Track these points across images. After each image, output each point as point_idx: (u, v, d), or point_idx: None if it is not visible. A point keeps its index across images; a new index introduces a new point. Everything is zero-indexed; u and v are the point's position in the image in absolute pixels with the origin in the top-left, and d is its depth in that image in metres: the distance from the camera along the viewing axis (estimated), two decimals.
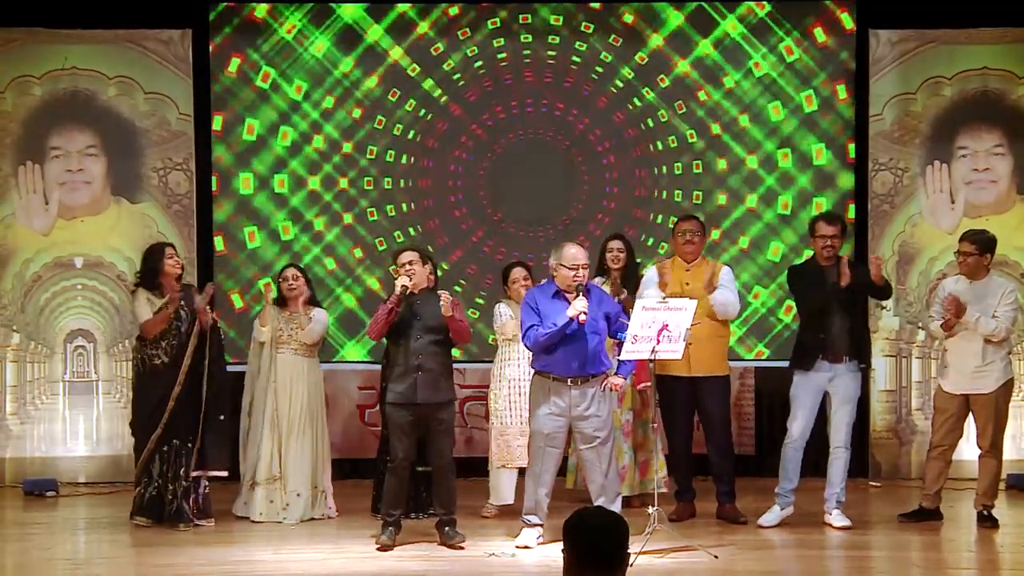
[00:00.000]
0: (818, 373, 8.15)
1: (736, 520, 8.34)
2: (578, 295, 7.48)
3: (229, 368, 8.75)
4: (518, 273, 8.69)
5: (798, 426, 8.19)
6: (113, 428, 10.03)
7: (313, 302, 8.72)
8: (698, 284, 8.27)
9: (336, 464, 9.20)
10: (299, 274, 8.70)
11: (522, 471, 8.61)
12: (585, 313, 7.41)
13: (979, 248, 8.18)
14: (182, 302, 8.34)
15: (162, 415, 8.23)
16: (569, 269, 7.56)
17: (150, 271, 8.39)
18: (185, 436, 8.26)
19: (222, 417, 8.42)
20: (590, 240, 9.58)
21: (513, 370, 8.61)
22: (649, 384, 8.47)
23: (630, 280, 8.66)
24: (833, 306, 8.11)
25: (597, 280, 8.41)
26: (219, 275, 10.17)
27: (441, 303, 7.62)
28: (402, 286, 7.65)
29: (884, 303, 9.89)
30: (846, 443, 8.17)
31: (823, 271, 8.20)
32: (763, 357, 10.23)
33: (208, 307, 8.35)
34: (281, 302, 8.65)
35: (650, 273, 8.54)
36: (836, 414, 8.18)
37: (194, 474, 8.29)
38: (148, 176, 10.09)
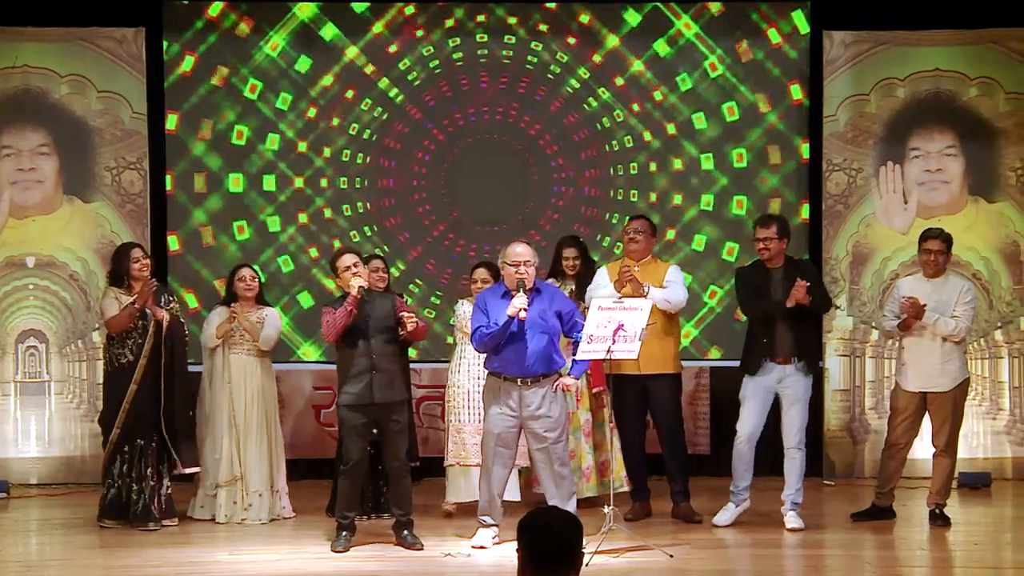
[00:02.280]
0: (766, 375, 8.19)
1: (691, 519, 8.36)
2: (519, 292, 7.48)
3: (190, 368, 8.67)
4: (479, 274, 8.64)
5: (746, 426, 8.20)
6: (65, 429, 9.95)
7: (261, 300, 8.66)
8: (648, 284, 8.28)
9: (291, 464, 9.16)
10: (255, 274, 8.67)
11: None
12: (525, 310, 7.40)
13: (948, 246, 8.26)
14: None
15: (122, 414, 8.19)
16: (511, 266, 7.57)
17: (117, 271, 8.40)
18: (149, 435, 8.22)
19: (192, 413, 8.42)
20: (546, 240, 9.62)
21: (469, 368, 8.61)
22: (603, 388, 8.52)
23: (586, 284, 8.68)
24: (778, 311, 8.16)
25: (551, 282, 8.39)
26: (172, 275, 10.11)
27: (406, 324, 7.62)
28: (359, 287, 7.61)
29: (837, 305, 9.96)
30: (799, 444, 8.18)
31: (769, 274, 8.24)
32: (718, 357, 10.26)
33: (171, 309, 8.36)
34: (232, 301, 8.58)
35: (601, 274, 8.54)
36: (787, 415, 8.19)
37: (174, 472, 8.31)
38: (101, 175, 10.01)
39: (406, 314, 7.68)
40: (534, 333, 7.53)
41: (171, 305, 8.44)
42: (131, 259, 8.36)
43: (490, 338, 7.52)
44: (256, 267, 9.01)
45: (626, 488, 8.52)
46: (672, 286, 8.35)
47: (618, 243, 10.22)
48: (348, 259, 7.76)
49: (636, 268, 8.35)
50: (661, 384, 8.39)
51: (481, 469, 7.86)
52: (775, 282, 8.19)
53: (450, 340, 9.46)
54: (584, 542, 3.98)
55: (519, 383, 7.58)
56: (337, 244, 10.28)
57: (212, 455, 8.48)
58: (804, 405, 8.19)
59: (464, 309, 8.65)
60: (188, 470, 8.40)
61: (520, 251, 7.59)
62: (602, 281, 8.41)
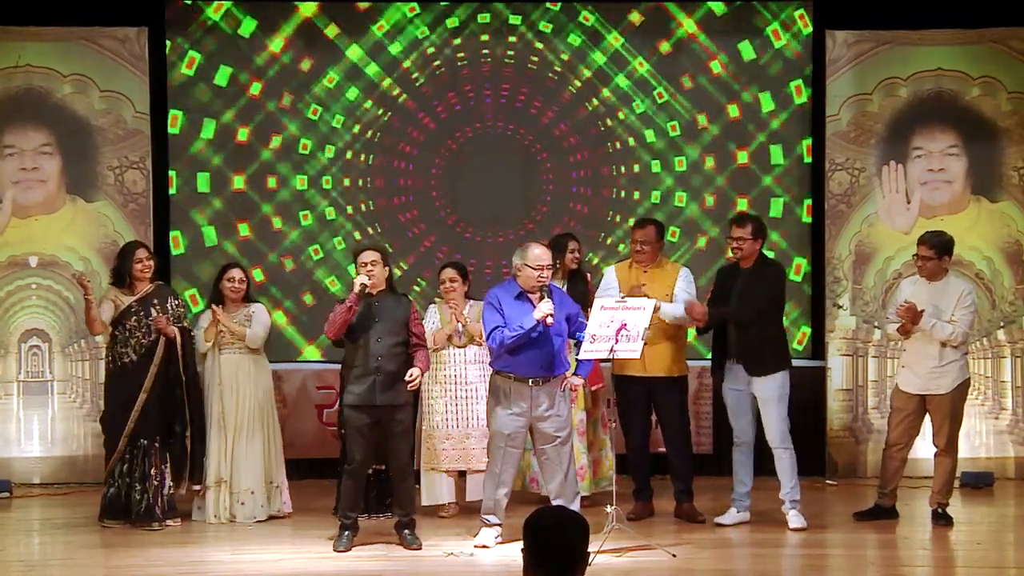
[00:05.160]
0: (734, 377, 8.20)
1: (694, 519, 8.36)
2: (543, 297, 7.48)
3: None
4: (446, 274, 8.63)
5: (739, 429, 8.24)
6: (68, 429, 9.94)
7: (247, 298, 8.60)
8: (655, 286, 8.29)
9: (294, 464, 9.16)
10: (244, 276, 8.60)
11: (462, 473, 8.65)
12: (552, 315, 7.41)
13: (937, 252, 8.21)
14: (155, 300, 8.32)
15: (129, 415, 8.20)
16: (534, 270, 7.56)
17: (119, 270, 8.42)
18: (152, 436, 8.22)
19: (178, 429, 8.37)
20: (550, 240, 9.60)
21: (446, 373, 8.59)
22: (602, 385, 8.57)
23: (577, 280, 8.70)
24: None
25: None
26: (176, 275, 10.10)
27: (410, 386, 7.61)
28: (361, 285, 7.60)
29: (840, 303, 9.97)
30: (781, 443, 8.14)
31: (738, 275, 8.25)
32: None
33: (177, 314, 8.38)
34: (219, 300, 8.52)
35: (609, 274, 8.55)
36: (764, 416, 8.18)
37: (197, 488, 8.40)
38: (104, 175, 10.01)
39: (411, 377, 7.62)
40: (550, 336, 7.54)
41: (178, 310, 8.44)
42: (134, 259, 8.36)
43: (513, 341, 7.47)
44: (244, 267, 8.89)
45: (614, 487, 8.52)
46: (683, 297, 8.32)
47: (621, 243, 10.24)
48: (366, 256, 7.73)
49: (644, 272, 8.37)
50: (667, 386, 8.41)
51: (488, 469, 7.84)
52: (739, 283, 8.20)
53: None
54: (589, 541, 3.97)
55: (529, 383, 7.58)
56: (340, 244, 10.32)
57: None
58: (778, 404, 8.14)
59: (430, 318, 8.61)
60: (197, 487, 8.44)
61: (540, 254, 7.59)
62: (610, 282, 8.41)
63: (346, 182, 10.36)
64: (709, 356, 9.85)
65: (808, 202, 10.38)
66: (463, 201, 10.40)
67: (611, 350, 7.53)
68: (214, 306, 8.43)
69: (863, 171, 10.16)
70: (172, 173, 10.23)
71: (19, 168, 9.95)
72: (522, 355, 7.54)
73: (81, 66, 9.97)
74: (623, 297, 7.78)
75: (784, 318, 8.66)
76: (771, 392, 8.14)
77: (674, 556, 7.40)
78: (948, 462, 8.29)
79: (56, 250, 9.98)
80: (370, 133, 10.35)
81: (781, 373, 8.18)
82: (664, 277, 8.40)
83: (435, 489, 8.63)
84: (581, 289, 8.62)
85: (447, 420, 8.53)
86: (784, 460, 8.16)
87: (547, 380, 7.60)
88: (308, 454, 9.89)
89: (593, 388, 8.67)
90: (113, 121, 9.99)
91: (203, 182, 10.28)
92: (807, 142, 10.36)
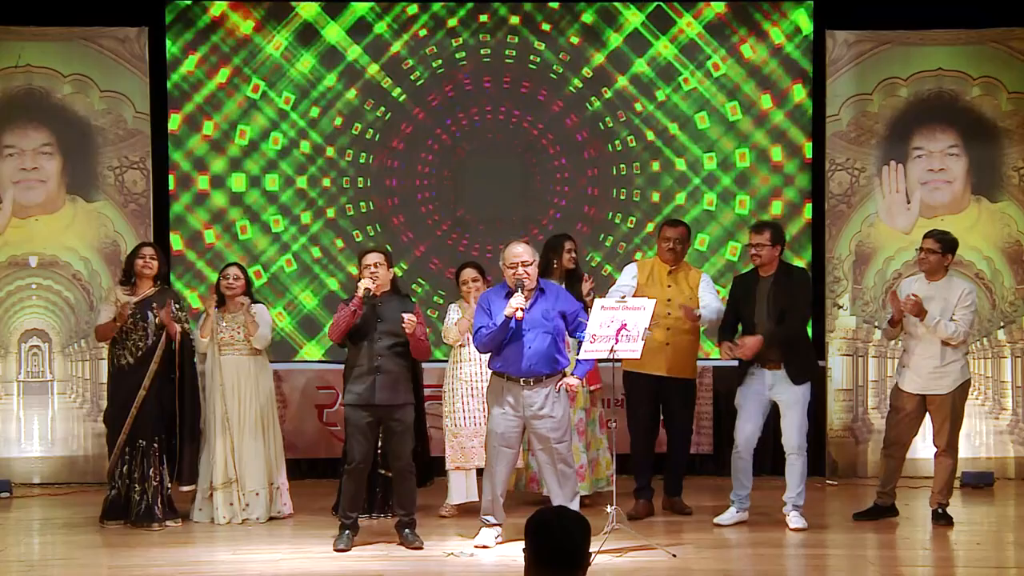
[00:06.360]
0: (757, 382, 8.18)
1: (681, 511, 8.48)
2: (516, 292, 7.48)
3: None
4: (468, 274, 8.65)
5: (742, 436, 8.20)
6: (68, 428, 9.95)
7: (249, 297, 8.58)
8: (679, 288, 8.37)
9: (294, 464, 9.17)
10: (240, 273, 8.58)
11: (480, 471, 8.64)
12: (522, 310, 7.40)
13: (942, 247, 8.22)
14: (153, 304, 8.32)
15: (126, 418, 8.20)
16: (508, 267, 7.57)
17: (126, 269, 8.47)
18: (151, 436, 8.22)
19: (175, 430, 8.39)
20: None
21: (467, 370, 8.59)
22: (599, 386, 8.58)
23: (574, 280, 8.72)
24: (763, 318, 8.12)
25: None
26: (176, 275, 10.10)
27: (404, 324, 7.55)
28: (365, 289, 7.60)
29: (840, 303, 9.98)
30: (798, 449, 8.16)
31: (758, 284, 8.22)
32: (720, 356, 10.24)
33: (178, 316, 8.37)
34: (220, 302, 8.54)
35: (630, 270, 8.56)
36: (784, 421, 8.18)
37: (185, 489, 8.38)
38: (104, 175, 10.01)
39: (406, 316, 7.64)
40: (536, 333, 7.53)
41: (179, 313, 8.44)
42: (137, 255, 8.38)
43: (489, 338, 7.52)
44: (243, 267, 8.87)
45: (614, 487, 8.53)
46: (708, 299, 8.39)
47: (621, 242, 10.24)
48: (370, 258, 7.73)
49: (669, 273, 8.45)
50: (681, 387, 8.49)
51: (484, 469, 7.85)
52: (761, 292, 8.18)
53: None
54: (591, 541, 3.98)
55: (521, 383, 7.57)
56: (340, 244, 10.32)
57: (207, 458, 8.47)
58: (800, 410, 8.15)
59: (451, 315, 8.63)
60: (185, 488, 8.43)
61: (519, 251, 7.59)
62: (626, 281, 8.44)
63: (346, 182, 10.36)
64: (713, 357, 9.88)
65: (808, 202, 10.38)
66: (464, 201, 10.38)
67: (611, 350, 7.53)
68: (208, 305, 8.43)
69: (863, 171, 10.16)
70: (172, 173, 10.23)
71: (19, 168, 9.96)
72: (506, 353, 7.55)
73: (81, 66, 9.98)
74: (623, 297, 7.79)
75: None
76: (798, 398, 8.14)
77: (674, 556, 7.39)
78: (948, 462, 8.29)
79: (56, 250, 9.98)
80: (370, 133, 10.35)
81: (811, 380, 8.24)
82: (687, 280, 8.47)
83: (463, 487, 8.62)
84: (578, 289, 8.62)
85: (474, 418, 8.51)
86: (796, 466, 8.16)
87: (540, 380, 7.59)
88: (308, 454, 9.91)
89: (592, 388, 8.67)
90: (113, 121, 10.00)
91: (203, 182, 10.28)
92: (807, 142, 10.37)
